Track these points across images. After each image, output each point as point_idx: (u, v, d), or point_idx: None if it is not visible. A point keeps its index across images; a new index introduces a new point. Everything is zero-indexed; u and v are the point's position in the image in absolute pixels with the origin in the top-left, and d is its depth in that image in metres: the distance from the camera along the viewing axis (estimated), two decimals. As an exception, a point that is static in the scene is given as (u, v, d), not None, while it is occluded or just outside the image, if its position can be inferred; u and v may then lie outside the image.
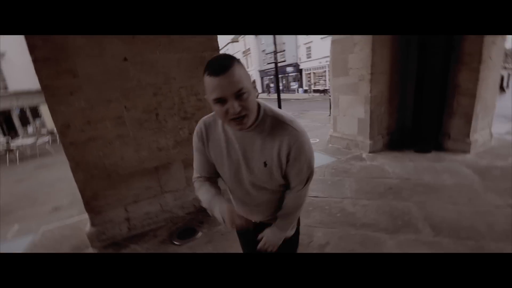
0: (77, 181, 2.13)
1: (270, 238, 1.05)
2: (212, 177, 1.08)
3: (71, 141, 2.04)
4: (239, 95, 0.74)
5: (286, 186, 1.01)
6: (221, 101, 0.75)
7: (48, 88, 1.89)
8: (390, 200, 2.55)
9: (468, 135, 3.67)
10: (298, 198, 1.01)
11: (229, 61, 0.73)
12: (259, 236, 1.06)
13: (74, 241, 2.36)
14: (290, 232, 1.09)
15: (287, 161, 0.90)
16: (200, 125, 0.98)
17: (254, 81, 0.84)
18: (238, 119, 0.78)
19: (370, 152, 3.94)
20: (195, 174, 1.08)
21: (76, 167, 2.10)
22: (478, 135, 3.76)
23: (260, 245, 1.05)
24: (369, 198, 2.62)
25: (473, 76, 3.56)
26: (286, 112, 0.93)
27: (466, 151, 3.64)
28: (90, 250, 2.22)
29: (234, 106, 0.75)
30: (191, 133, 2.63)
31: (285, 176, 0.96)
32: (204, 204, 1.03)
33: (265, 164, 0.90)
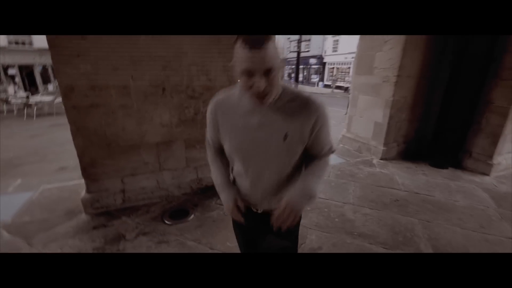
0: (76, 146, 2.11)
1: (294, 199, 0.91)
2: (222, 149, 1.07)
3: (73, 105, 1.99)
4: (268, 72, 0.75)
5: (298, 166, 1.01)
6: (248, 74, 0.76)
7: (55, 47, 1.82)
8: (394, 213, 2.40)
9: (491, 156, 3.41)
10: (323, 163, 1.02)
11: (266, 36, 0.73)
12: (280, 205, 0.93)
13: (70, 204, 2.39)
14: (317, 194, 0.94)
15: (311, 133, 0.91)
16: (212, 105, 0.97)
17: (283, 60, 0.84)
18: (261, 95, 0.79)
19: (381, 158, 3.75)
20: (208, 140, 1.09)
21: (77, 131, 2.07)
22: (502, 158, 3.48)
23: (278, 213, 0.91)
24: (372, 207, 2.49)
25: (509, 93, 3.24)
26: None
27: (486, 173, 3.39)
28: (83, 216, 2.23)
29: (260, 82, 0.75)
30: (196, 113, 2.56)
31: (305, 150, 0.96)
32: (214, 181, 1.09)
33: (285, 137, 0.89)
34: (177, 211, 2.33)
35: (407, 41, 3.33)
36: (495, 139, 3.48)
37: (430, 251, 1.94)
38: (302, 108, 0.88)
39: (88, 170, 2.19)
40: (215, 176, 1.08)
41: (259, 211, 1.04)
